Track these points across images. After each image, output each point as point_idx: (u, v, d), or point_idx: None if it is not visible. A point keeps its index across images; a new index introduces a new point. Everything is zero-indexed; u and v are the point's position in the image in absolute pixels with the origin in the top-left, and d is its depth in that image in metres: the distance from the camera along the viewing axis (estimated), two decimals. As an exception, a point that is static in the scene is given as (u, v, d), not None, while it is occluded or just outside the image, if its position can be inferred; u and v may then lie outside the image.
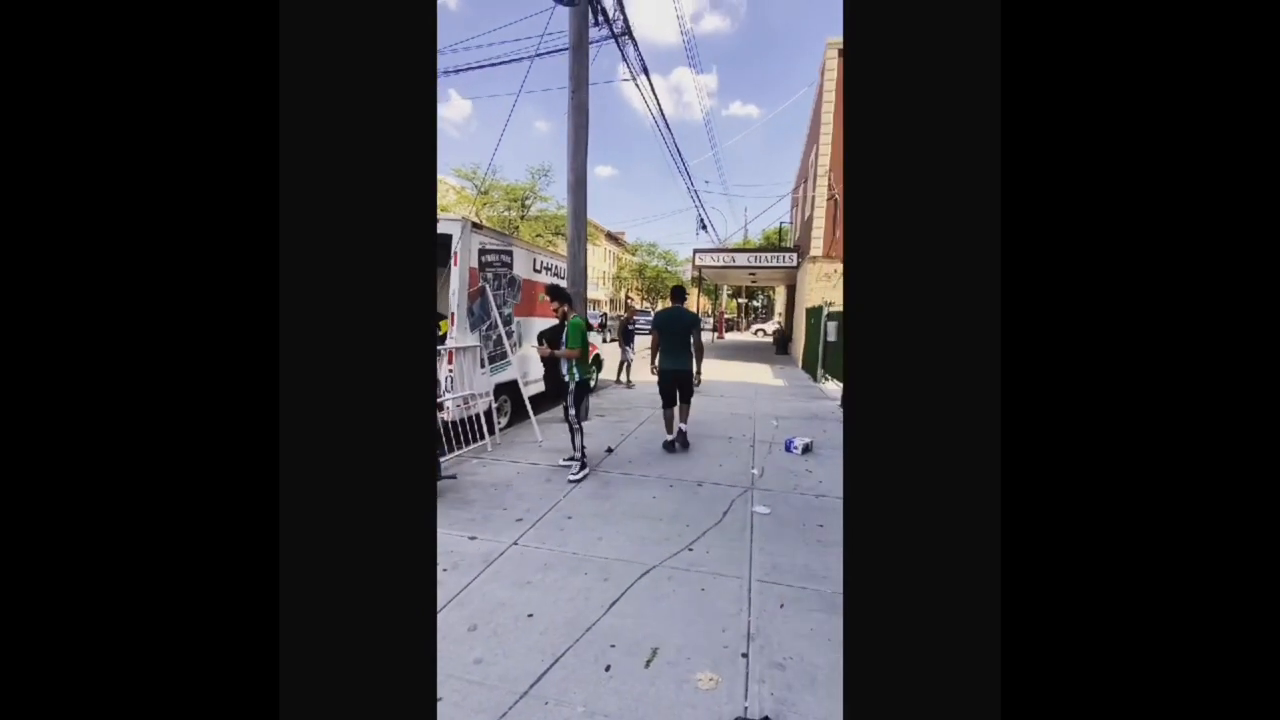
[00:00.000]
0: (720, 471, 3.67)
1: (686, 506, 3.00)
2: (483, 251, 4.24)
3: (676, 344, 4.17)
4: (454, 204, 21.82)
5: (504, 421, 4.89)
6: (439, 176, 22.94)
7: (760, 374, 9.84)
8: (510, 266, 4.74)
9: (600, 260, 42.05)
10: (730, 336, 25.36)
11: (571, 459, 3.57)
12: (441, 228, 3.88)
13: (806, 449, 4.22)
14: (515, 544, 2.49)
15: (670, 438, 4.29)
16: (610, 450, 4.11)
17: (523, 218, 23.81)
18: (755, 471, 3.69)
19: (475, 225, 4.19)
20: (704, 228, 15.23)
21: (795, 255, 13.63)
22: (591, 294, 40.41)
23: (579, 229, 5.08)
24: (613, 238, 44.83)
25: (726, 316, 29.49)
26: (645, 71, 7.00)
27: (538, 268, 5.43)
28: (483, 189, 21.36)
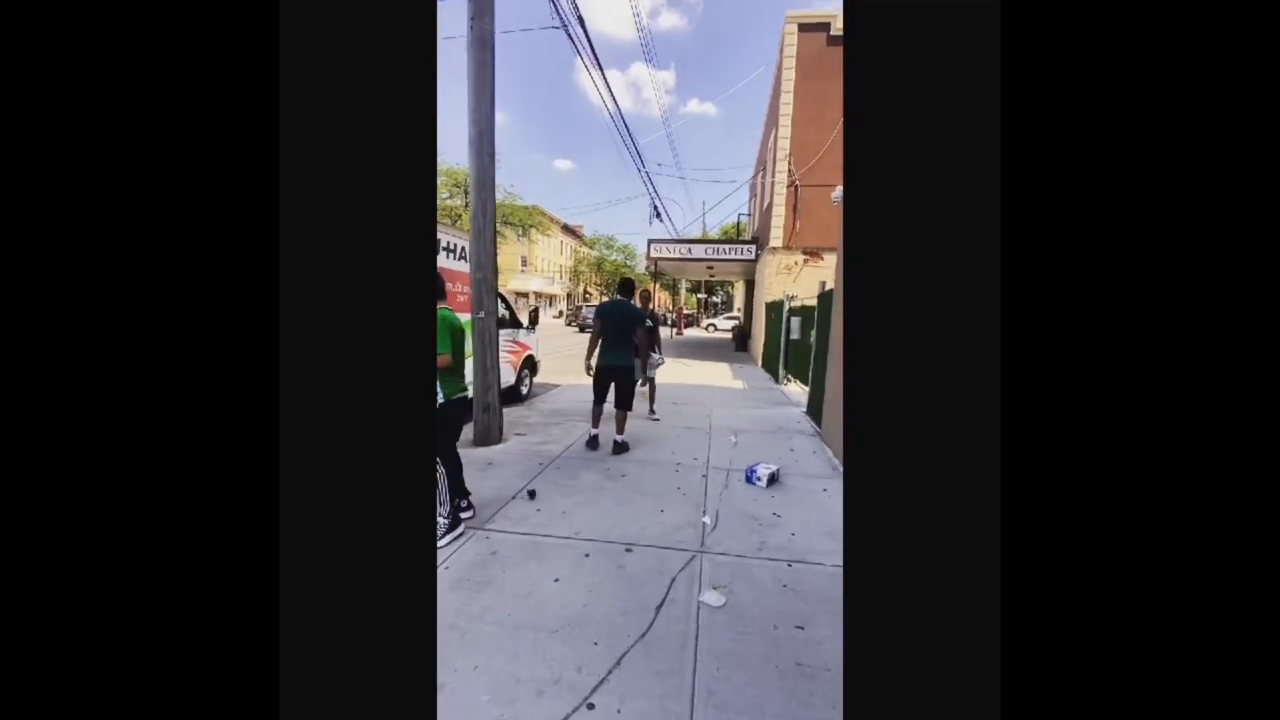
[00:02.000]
0: (659, 525, 2.68)
1: (602, 597, 1.99)
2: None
3: (616, 337, 3.86)
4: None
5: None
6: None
7: (718, 374, 8.97)
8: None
9: (555, 253, 40.51)
10: (690, 333, 24.64)
11: (444, 512, 2.48)
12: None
13: (772, 479, 3.31)
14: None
15: (594, 431, 4.02)
16: (532, 495, 3.02)
17: (467, 205, 22.12)
18: (706, 521, 2.73)
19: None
20: (658, 215, 14.23)
21: (754, 247, 12.89)
22: (547, 289, 38.91)
23: (484, 198, 3.95)
24: (570, 230, 43.41)
25: (686, 312, 28.76)
26: (580, 20, 5.92)
27: (441, 249, 4.27)
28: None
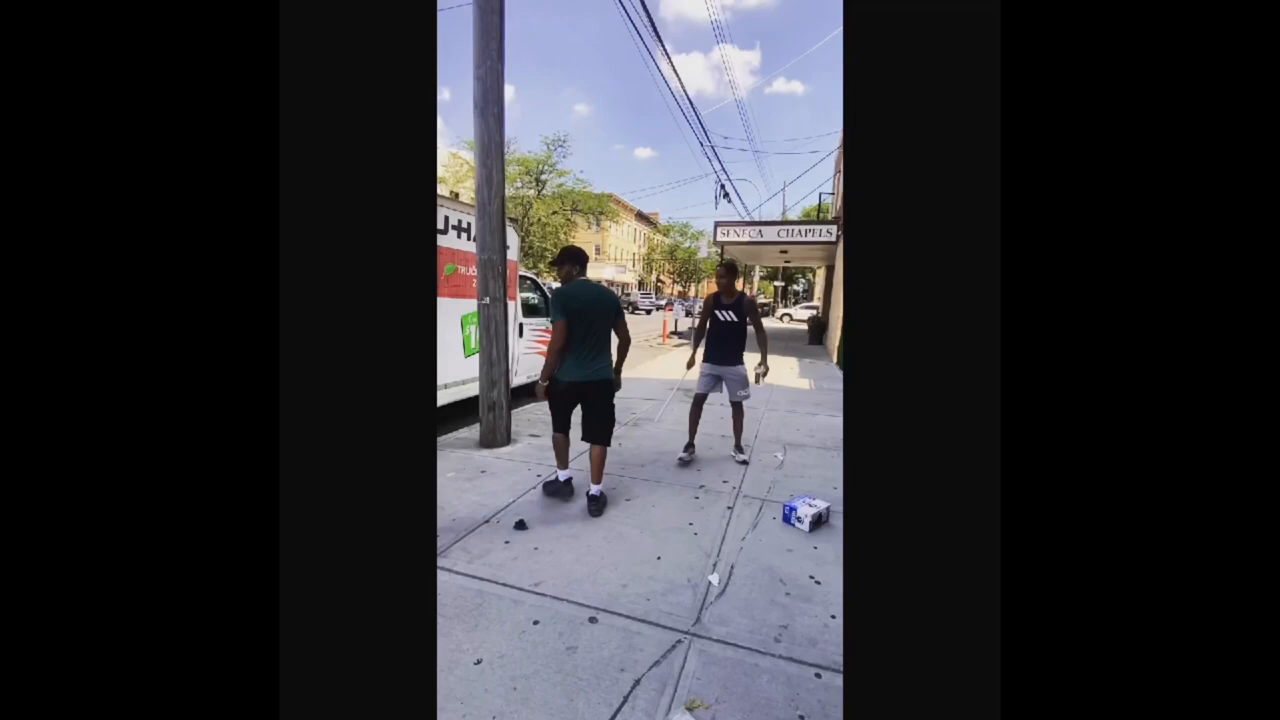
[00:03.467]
0: (649, 580, 2.02)
1: (524, 704, 1.39)
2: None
3: (593, 337, 2.49)
4: (466, 176, 20.53)
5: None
6: (451, 151, 21.85)
7: (782, 370, 7.98)
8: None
9: (629, 241, 40.31)
10: (764, 324, 23.17)
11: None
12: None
13: (817, 521, 2.51)
14: None
15: (562, 474, 2.72)
16: (521, 525, 2.44)
17: (539, 195, 22.33)
18: (713, 580, 2.03)
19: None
20: (726, 196, 13.15)
21: (835, 228, 11.51)
22: (619, 276, 39.08)
23: (490, 168, 3.46)
24: (644, 218, 43.00)
25: (763, 301, 27.05)
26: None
27: (443, 227, 3.87)
28: (498, 163, 19.82)
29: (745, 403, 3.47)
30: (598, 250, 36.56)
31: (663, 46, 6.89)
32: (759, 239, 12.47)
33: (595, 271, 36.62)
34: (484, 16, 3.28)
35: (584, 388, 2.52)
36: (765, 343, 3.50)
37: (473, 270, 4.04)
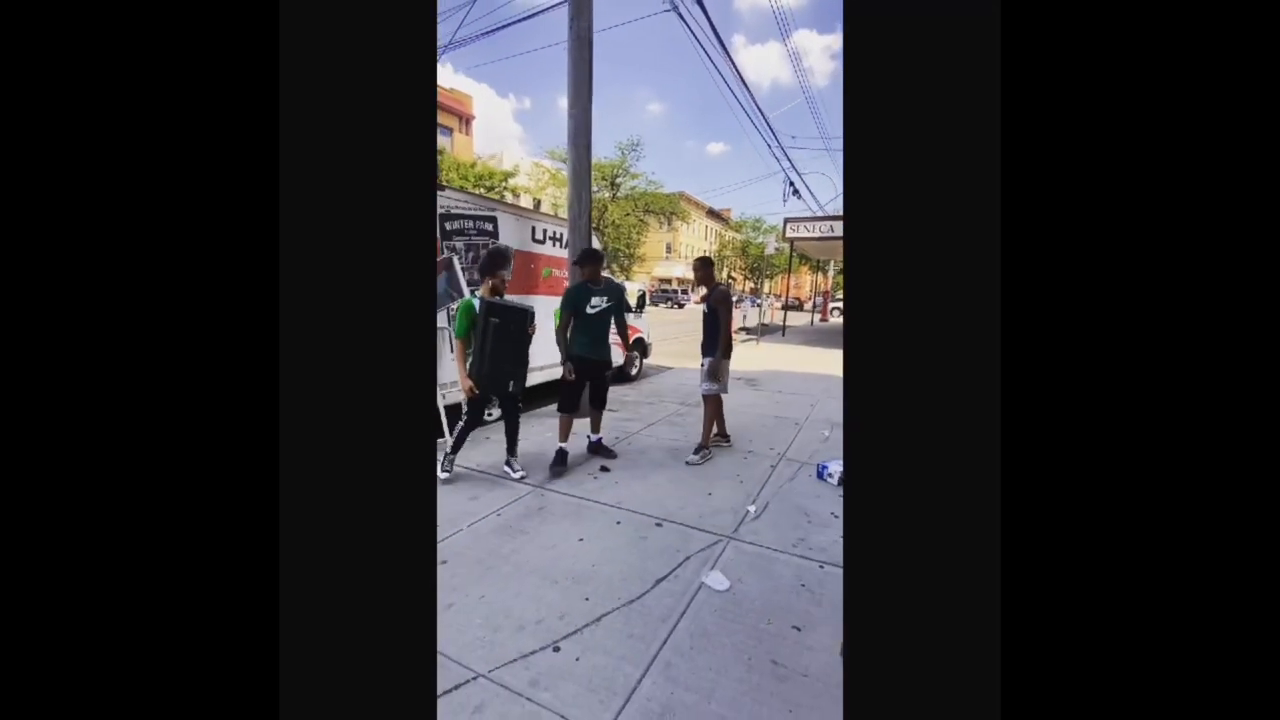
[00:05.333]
0: (699, 505, 2.68)
1: (612, 561, 2.11)
2: (445, 217, 3.63)
3: (596, 324, 3.13)
4: (546, 186, 22.10)
5: (495, 414, 4.34)
6: (534, 160, 23.50)
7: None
8: (494, 235, 4.09)
9: (699, 239, 40.54)
10: (836, 320, 22.61)
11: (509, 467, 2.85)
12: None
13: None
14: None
15: (563, 445, 3.17)
16: (605, 469, 3.26)
17: (613, 198, 23.41)
18: (751, 509, 2.64)
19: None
20: (795, 193, 13.28)
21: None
22: (690, 274, 39.25)
23: (580, 191, 4.25)
24: (715, 214, 42.97)
25: (834, 304, 26.21)
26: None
27: (540, 236, 4.73)
28: (577, 170, 21.00)
29: (721, 396, 3.42)
30: (669, 249, 37.23)
31: (728, 56, 7.35)
32: (830, 234, 12.42)
33: (666, 269, 37.27)
34: (578, 68, 4.06)
35: (592, 363, 3.18)
36: (728, 339, 3.37)
37: (561, 273, 4.89)
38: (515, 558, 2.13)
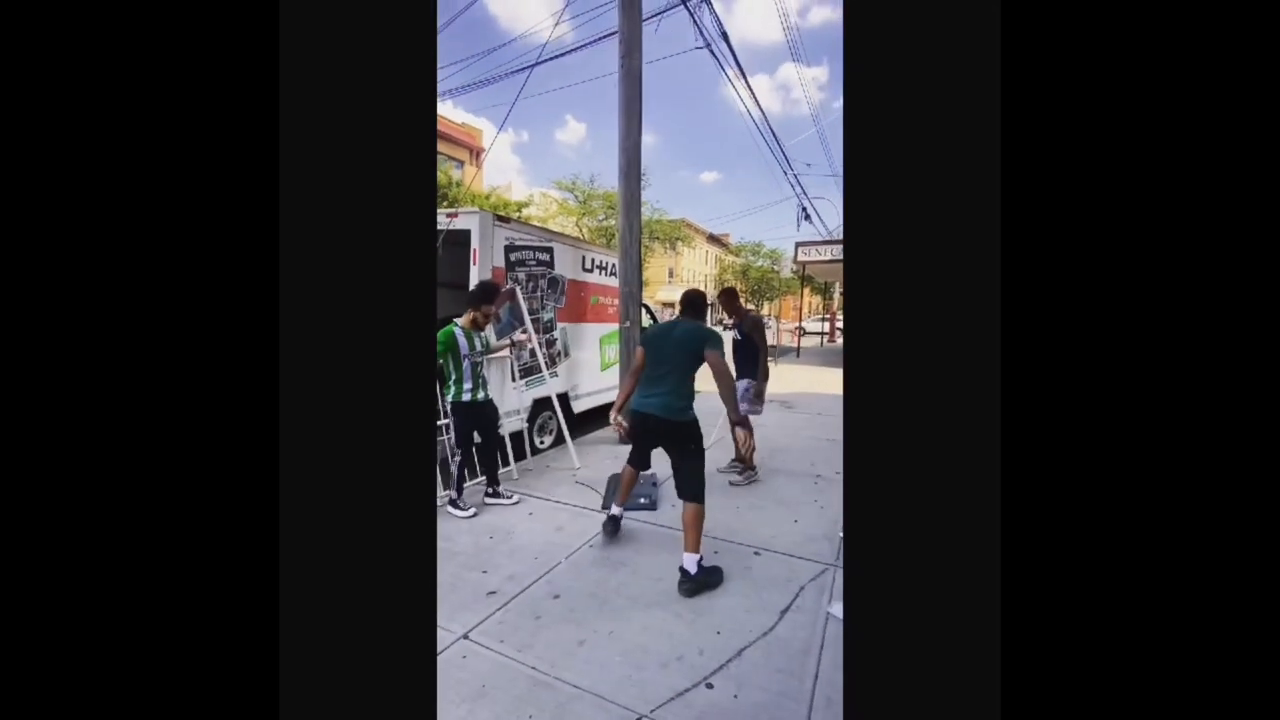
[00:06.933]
0: (789, 533, 2.65)
1: (726, 593, 2.07)
2: (510, 248, 3.69)
3: (667, 371, 2.23)
4: (555, 215, 22.48)
5: (548, 441, 4.31)
6: (541, 190, 23.95)
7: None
8: (550, 265, 4.16)
9: (700, 263, 41.11)
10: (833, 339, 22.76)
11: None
12: (459, 222, 3.40)
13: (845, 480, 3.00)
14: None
15: (615, 510, 2.52)
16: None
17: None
18: (842, 535, 2.61)
19: (500, 219, 3.66)
20: (807, 217, 13.56)
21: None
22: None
23: (631, 220, 4.34)
24: (715, 239, 43.68)
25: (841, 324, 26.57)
26: (725, 37, 6.08)
27: (589, 266, 4.80)
28: (583, 199, 21.39)
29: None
30: (671, 274, 37.69)
31: (745, 80, 7.54)
32: (840, 258, 12.70)
33: (669, 293, 37.66)
34: (629, 105, 4.19)
35: (653, 421, 2.25)
36: (765, 361, 3.44)
37: (604, 299, 4.95)
38: (626, 591, 2.10)
